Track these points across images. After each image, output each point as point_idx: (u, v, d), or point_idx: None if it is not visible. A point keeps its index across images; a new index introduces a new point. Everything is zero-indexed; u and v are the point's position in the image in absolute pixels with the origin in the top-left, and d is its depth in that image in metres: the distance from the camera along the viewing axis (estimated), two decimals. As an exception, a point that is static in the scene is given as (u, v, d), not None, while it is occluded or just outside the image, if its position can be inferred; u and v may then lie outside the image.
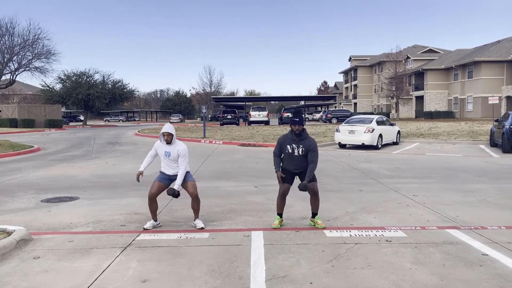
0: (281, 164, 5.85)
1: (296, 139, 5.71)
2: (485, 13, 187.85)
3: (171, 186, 5.83)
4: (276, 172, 5.80)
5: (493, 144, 17.20)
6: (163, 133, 5.74)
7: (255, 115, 41.21)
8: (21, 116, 41.95)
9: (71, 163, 13.69)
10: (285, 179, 5.80)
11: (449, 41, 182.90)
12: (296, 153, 5.70)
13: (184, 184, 5.82)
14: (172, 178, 5.86)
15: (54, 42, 76.76)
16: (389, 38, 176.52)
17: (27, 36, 37.89)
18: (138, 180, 5.95)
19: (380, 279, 4.00)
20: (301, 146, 5.69)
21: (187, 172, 5.89)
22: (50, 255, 4.78)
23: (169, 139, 5.72)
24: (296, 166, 5.76)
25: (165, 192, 5.83)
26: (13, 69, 38.57)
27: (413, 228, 5.74)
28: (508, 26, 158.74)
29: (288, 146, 5.72)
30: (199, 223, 5.83)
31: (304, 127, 5.79)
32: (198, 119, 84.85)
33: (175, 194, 5.67)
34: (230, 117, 43.09)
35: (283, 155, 5.83)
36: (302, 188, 5.59)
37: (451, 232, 5.53)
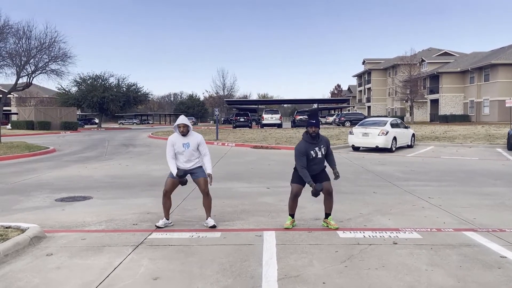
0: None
1: (315, 142, 5.67)
2: (501, 15, 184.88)
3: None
4: (311, 185, 5.47)
5: (510, 147, 16.85)
6: (178, 125, 5.71)
7: (267, 117, 41.20)
8: (37, 119, 42.68)
9: (85, 164, 13.82)
10: (299, 181, 5.73)
11: (464, 44, 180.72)
12: (319, 155, 5.69)
13: (196, 179, 5.81)
14: (187, 172, 5.82)
15: (70, 45, 78.41)
16: (404, 41, 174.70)
17: (44, 39, 38.44)
18: (181, 183, 5.72)
19: (395, 280, 3.92)
20: (322, 146, 5.70)
21: (201, 167, 5.88)
22: (63, 252, 4.80)
23: (185, 130, 5.70)
24: (316, 169, 5.71)
25: (177, 190, 5.84)
26: (30, 72, 39.19)
27: (429, 230, 5.62)
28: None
29: (312, 152, 5.66)
30: (210, 222, 5.81)
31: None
32: (211, 122, 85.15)
33: (183, 181, 5.65)
34: (242, 119, 43.17)
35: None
36: (317, 191, 5.45)
37: (468, 234, 5.40)
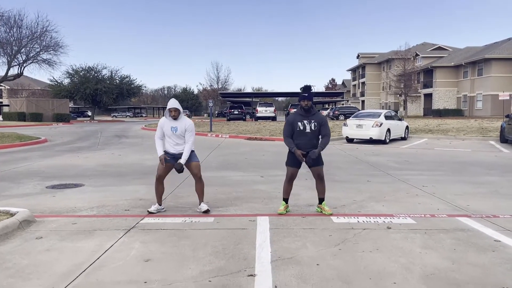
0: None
1: (306, 115, 5.56)
2: (495, 11, 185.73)
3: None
4: (294, 151, 5.51)
5: (503, 140, 16.93)
6: (169, 109, 5.61)
7: (262, 110, 41.13)
8: (29, 110, 42.24)
9: (77, 154, 13.68)
10: (294, 163, 5.66)
11: (458, 38, 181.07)
12: (307, 129, 5.54)
13: (188, 164, 5.72)
14: (177, 156, 5.72)
15: (62, 35, 76.99)
16: (398, 36, 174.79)
17: (35, 28, 37.95)
18: (163, 164, 5.67)
19: (389, 262, 3.89)
20: (313, 121, 5.55)
21: (193, 152, 5.78)
22: (53, 235, 4.72)
23: (176, 114, 5.61)
24: (306, 145, 5.58)
25: (170, 178, 5.77)
26: (21, 61, 38.70)
27: (423, 216, 5.60)
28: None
29: (299, 123, 5.54)
30: (204, 207, 5.75)
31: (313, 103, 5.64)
32: (205, 115, 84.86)
33: (181, 169, 5.58)
34: (237, 112, 43.09)
35: (293, 134, 5.65)
36: (311, 161, 5.39)
37: (462, 220, 5.39)
